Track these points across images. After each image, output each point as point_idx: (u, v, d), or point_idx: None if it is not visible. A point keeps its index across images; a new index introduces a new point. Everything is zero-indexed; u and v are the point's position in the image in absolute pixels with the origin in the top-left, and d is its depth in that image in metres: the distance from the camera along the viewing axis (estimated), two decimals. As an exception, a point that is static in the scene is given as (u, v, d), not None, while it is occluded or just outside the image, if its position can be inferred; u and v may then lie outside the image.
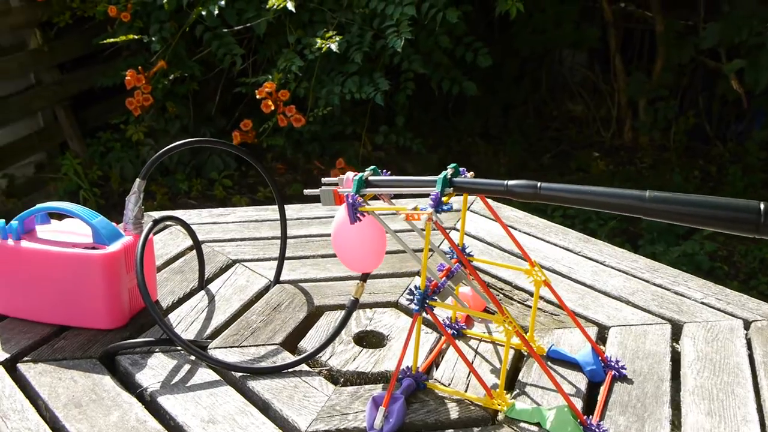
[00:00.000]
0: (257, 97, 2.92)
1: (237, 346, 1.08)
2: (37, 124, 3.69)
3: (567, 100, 4.55)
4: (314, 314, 1.19)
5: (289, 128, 3.33)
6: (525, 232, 1.51)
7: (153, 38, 3.11)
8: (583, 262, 1.41)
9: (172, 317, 1.15)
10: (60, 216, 1.16)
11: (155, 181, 3.63)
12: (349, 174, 1.04)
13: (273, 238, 1.46)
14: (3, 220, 1.11)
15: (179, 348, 1.06)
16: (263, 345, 1.09)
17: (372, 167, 1.05)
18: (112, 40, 3.07)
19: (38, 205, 1.12)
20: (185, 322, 1.14)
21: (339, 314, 1.17)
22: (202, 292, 1.23)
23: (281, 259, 1.28)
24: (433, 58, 3.20)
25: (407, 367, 1.01)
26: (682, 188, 3.65)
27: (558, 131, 4.47)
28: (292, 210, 1.61)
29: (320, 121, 3.24)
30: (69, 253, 1.08)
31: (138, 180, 1.14)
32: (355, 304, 1.06)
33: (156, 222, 1.14)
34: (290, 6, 2.84)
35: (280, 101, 2.94)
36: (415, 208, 0.95)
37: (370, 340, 1.13)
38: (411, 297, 0.97)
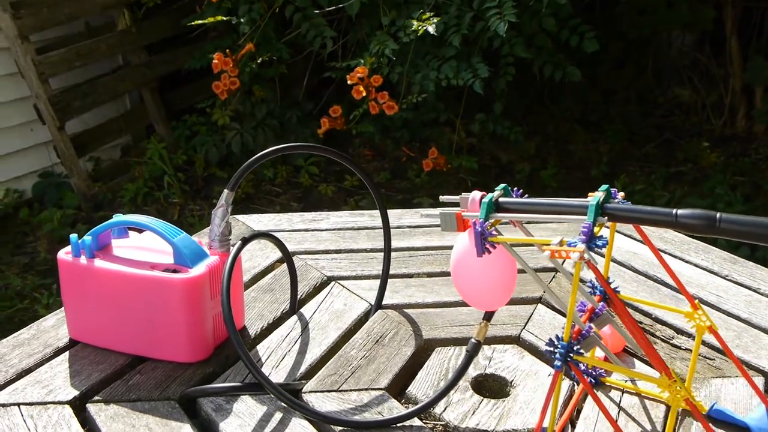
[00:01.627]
0: (348, 82, 2.76)
1: (336, 390, 0.92)
2: (124, 106, 3.65)
3: (674, 85, 4.23)
4: (423, 350, 1.02)
5: (380, 114, 3.17)
6: (660, 250, 1.31)
7: (242, 19, 2.98)
8: (733, 288, 1.20)
9: (261, 349, 1.01)
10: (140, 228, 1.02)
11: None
12: (475, 194, 0.86)
13: (372, 250, 1.30)
14: (75, 236, 0.98)
15: (250, 393, 0.91)
16: (366, 389, 0.93)
17: (502, 186, 0.87)
18: (200, 21, 2.96)
19: (115, 218, 0.99)
20: (275, 356, 0.99)
21: (452, 351, 1.00)
22: (295, 318, 1.08)
23: (384, 279, 1.12)
24: (535, 42, 2.97)
25: (542, 429, 0.83)
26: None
27: (663, 118, 4.16)
28: (392, 216, 1.44)
29: (412, 108, 3.07)
30: (146, 275, 0.94)
31: (226, 191, 0.99)
32: (477, 349, 0.89)
33: (245, 241, 0.99)
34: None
35: (372, 87, 2.77)
36: (561, 243, 0.77)
37: (489, 386, 0.96)
38: (552, 349, 0.79)
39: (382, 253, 1.28)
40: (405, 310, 1.11)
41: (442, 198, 0.92)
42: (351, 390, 0.93)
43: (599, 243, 0.76)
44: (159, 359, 0.97)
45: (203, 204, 3.37)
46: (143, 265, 0.96)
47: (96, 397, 0.91)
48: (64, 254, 0.98)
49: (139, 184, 3.35)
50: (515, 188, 0.88)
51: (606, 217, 0.78)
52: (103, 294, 0.97)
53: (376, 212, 1.47)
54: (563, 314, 1.09)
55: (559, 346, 0.78)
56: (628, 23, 3.59)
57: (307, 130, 3.56)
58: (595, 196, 0.80)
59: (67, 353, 0.99)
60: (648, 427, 0.87)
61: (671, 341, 1.06)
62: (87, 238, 0.97)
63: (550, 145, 3.92)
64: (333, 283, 1.19)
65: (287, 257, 1.09)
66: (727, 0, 3.74)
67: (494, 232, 0.82)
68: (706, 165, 3.61)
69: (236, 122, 3.47)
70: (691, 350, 1.03)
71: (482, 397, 0.92)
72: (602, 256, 0.89)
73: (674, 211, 0.76)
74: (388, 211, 1.47)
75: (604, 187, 0.83)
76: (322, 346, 1.02)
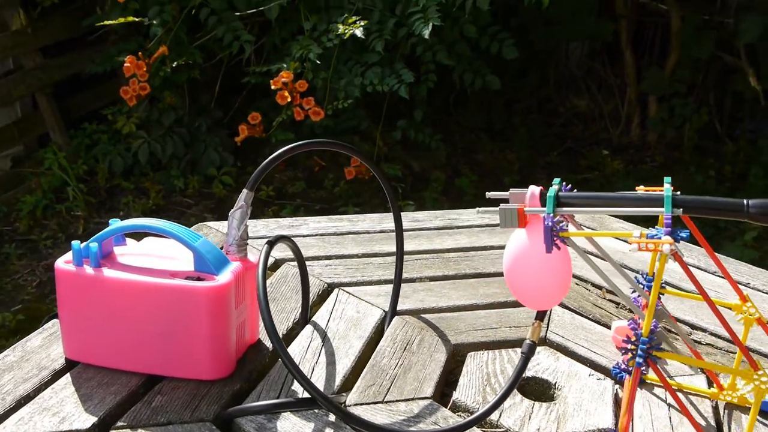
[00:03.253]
0: (272, 87, 2.68)
1: (381, 402, 0.86)
2: (16, 113, 3.39)
3: (572, 96, 4.39)
4: (455, 355, 0.98)
5: (299, 122, 3.09)
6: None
7: (154, 21, 2.83)
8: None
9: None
10: (137, 235, 0.92)
11: (147, 177, 3.35)
12: (534, 188, 0.82)
13: (365, 255, 1.24)
14: (77, 242, 0.87)
15: (302, 409, 0.84)
16: (412, 399, 0.87)
17: (557, 180, 0.84)
18: (108, 22, 2.79)
19: (121, 223, 0.89)
20: (304, 368, 0.92)
21: (486, 356, 0.96)
22: (309, 328, 1.01)
23: (397, 283, 1.06)
24: (455, 49, 2.99)
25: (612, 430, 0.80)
26: (704, 190, 3.52)
27: (564, 128, 4.30)
28: (369, 221, 1.39)
29: (332, 115, 3.01)
30: (168, 285, 0.84)
31: (245, 191, 0.91)
32: (533, 350, 0.85)
33: (272, 244, 0.91)
34: (310, -12, 2.60)
35: (296, 92, 2.70)
36: (641, 235, 0.75)
37: (532, 389, 0.93)
38: (628, 347, 0.77)
39: (378, 258, 1.23)
40: (422, 315, 1.06)
41: (489, 194, 0.88)
42: (397, 401, 0.87)
43: (682, 235, 0.74)
44: (177, 378, 0.88)
45: (109, 216, 3.16)
46: (161, 273, 0.86)
47: (119, 423, 0.80)
48: (63, 264, 0.87)
49: (37, 197, 3.11)
50: (566, 185, 0.85)
51: (681, 209, 0.77)
52: (112, 307, 0.86)
53: (355, 217, 1.42)
54: (581, 314, 1.08)
55: (641, 343, 0.76)
56: (535, 34, 3.68)
57: (216, 138, 3.43)
58: (666, 189, 0.78)
59: (68, 376, 0.88)
60: (702, 422, 0.87)
61: (690, 337, 1.06)
62: (92, 245, 0.87)
63: (458, 154, 3.97)
64: (337, 290, 1.12)
65: (300, 262, 1.02)
66: (623, 14, 3.91)
67: (566, 228, 0.78)
68: (609, 172, 3.76)
69: (142, 130, 3.29)
70: (712, 345, 1.03)
71: (532, 401, 0.89)
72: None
73: (745, 201, 0.76)
74: (367, 216, 1.42)
75: (667, 179, 0.81)
76: (349, 356, 0.95)
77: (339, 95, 2.79)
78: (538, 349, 0.99)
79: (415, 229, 1.36)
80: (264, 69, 2.84)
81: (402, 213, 1.45)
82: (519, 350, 0.97)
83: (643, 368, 0.94)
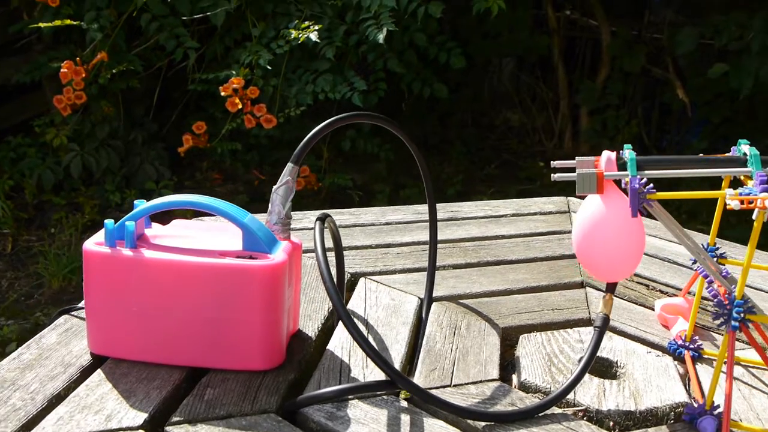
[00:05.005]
0: (222, 93, 2.58)
1: (450, 386, 0.81)
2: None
3: (506, 109, 4.45)
4: (508, 337, 0.93)
5: (244, 132, 3.00)
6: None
7: (92, 26, 2.70)
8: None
9: (336, 351, 0.86)
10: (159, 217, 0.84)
11: (79, 192, 3.18)
12: (609, 154, 0.79)
13: (378, 246, 1.19)
14: (111, 221, 0.78)
15: (381, 393, 0.78)
16: (481, 382, 0.82)
17: (628, 146, 0.81)
18: (43, 24, 2.64)
19: (159, 200, 0.80)
20: (355, 357, 0.85)
21: (539, 337, 0.92)
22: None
23: (432, 270, 1.01)
24: (404, 58, 2.97)
25: (698, 403, 0.77)
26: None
27: (499, 141, 4.35)
28: (372, 214, 1.34)
29: (277, 126, 2.93)
30: (222, 264, 0.77)
31: (290, 165, 0.85)
32: (606, 324, 0.81)
33: (323, 220, 0.85)
34: (261, -8, 2.54)
35: (247, 99, 2.61)
36: (735, 194, 0.72)
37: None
38: (720, 312, 0.74)
39: (394, 248, 1.18)
40: (460, 301, 1.01)
41: (554, 163, 0.84)
42: (466, 384, 0.81)
43: (778, 192, 0.72)
44: (223, 369, 0.80)
45: (39, 234, 2.98)
46: (208, 253, 0.78)
47: (175, 418, 0.72)
48: (94, 245, 0.78)
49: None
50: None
51: (768, 168, 0.75)
52: (153, 293, 0.78)
53: (356, 210, 1.36)
54: (617, 296, 1.05)
55: (735, 307, 0.73)
56: (473, 47, 3.71)
57: (153, 152, 3.30)
58: (751, 149, 0.77)
59: (99, 372, 0.78)
60: (772, 393, 0.85)
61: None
62: (128, 223, 0.78)
63: (397, 167, 3.94)
64: (363, 279, 1.06)
65: (338, 247, 0.96)
66: (555, 29, 4.00)
67: (653, 190, 0.75)
68: (549, 182, 3.80)
69: (74, 143, 3.12)
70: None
71: (601, 379, 0.85)
72: None
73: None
74: (369, 209, 1.37)
75: (743, 141, 0.80)
76: (400, 342, 0.89)
77: (290, 102, 2.72)
78: (588, 329, 0.95)
79: (420, 221, 1.31)
80: (211, 76, 2.74)
81: (397, 207, 1.40)
82: (569, 331, 0.94)
83: (700, 343, 0.92)
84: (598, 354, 0.90)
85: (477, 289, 1.05)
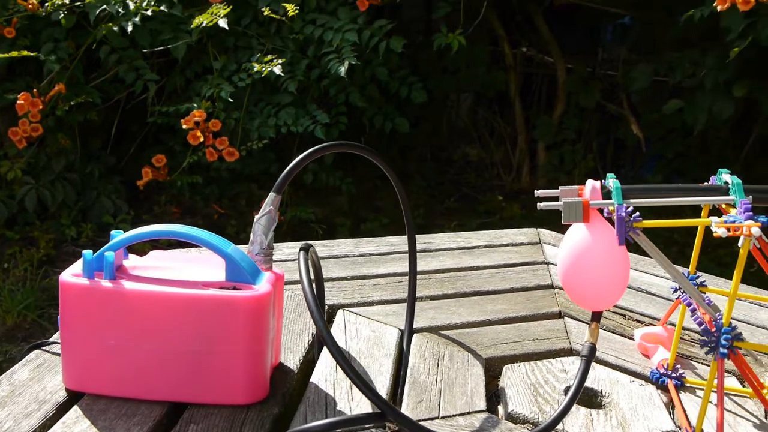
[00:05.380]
0: (183, 126, 2.56)
1: (438, 418, 0.79)
2: None
3: (464, 144, 4.49)
4: (491, 368, 0.92)
5: (205, 165, 2.97)
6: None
7: (50, 58, 2.66)
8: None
9: (320, 383, 0.84)
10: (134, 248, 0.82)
11: (33, 226, 3.10)
12: (592, 183, 0.80)
13: (354, 278, 1.17)
14: (89, 251, 0.76)
15: (370, 425, 0.76)
16: (469, 413, 0.81)
17: (611, 174, 0.82)
18: (0, 56, 2.58)
19: (140, 230, 0.78)
20: (341, 389, 0.84)
21: (523, 367, 0.92)
22: (329, 347, 0.93)
23: (412, 301, 1.00)
24: (366, 92, 2.99)
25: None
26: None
27: (457, 175, 4.39)
28: (345, 246, 1.32)
29: (238, 159, 2.91)
30: (206, 295, 0.75)
31: (272, 195, 0.83)
32: (593, 353, 0.81)
33: (306, 250, 0.83)
34: (223, 23, 2.53)
35: (209, 132, 2.59)
36: (720, 222, 0.73)
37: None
38: (708, 339, 0.75)
39: (370, 280, 1.17)
40: (440, 332, 1.00)
41: (538, 192, 0.85)
42: (453, 415, 0.80)
43: (763, 219, 0.73)
44: (205, 404, 0.77)
45: (-9, 271, 2.89)
46: (191, 284, 0.76)
47: (159, 456, 0.69)
48: (71, 277, 0.75)
49: None
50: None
51: (751, 196, 0.76)
52: (133, 325, 0.75)
53: (329, 242, 1.34)
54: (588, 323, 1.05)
55: (723, 334, 0.74)
56: (432, 82, 3.75)
57: (110, 185, 3.24)
58: (732, 177, 0.78)
59: (76, 408, 0.75)
60: (756, 421, 0.85)
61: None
62: (108, 254, 0.76)
63: (358, 202, 3.94)
64: (341, 311, 1.04)
65: (319, 278, 0.94)
66: (512, 65, 4.07)
67: (640, 218, 0.76)
68: (509, 215, 3.84)
69: (29, 176, 3.05)
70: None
71: (588, 409, 0.84)
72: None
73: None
74: (340, 241, 1.35)
75: (724, 170, 0.81)
76: (383, 374, 0.88)
77: (253, 136, 2.70)
78: (570, 359, 0.95)
79: (394, 253, 1.30)
80: (171, 109, 2.71)
81: (369, 239, 1.39)
82: (552, 361, 0.94)
83: (682, 372, 0.93)
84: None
85: (457, 320, 1.04)
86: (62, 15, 2.70)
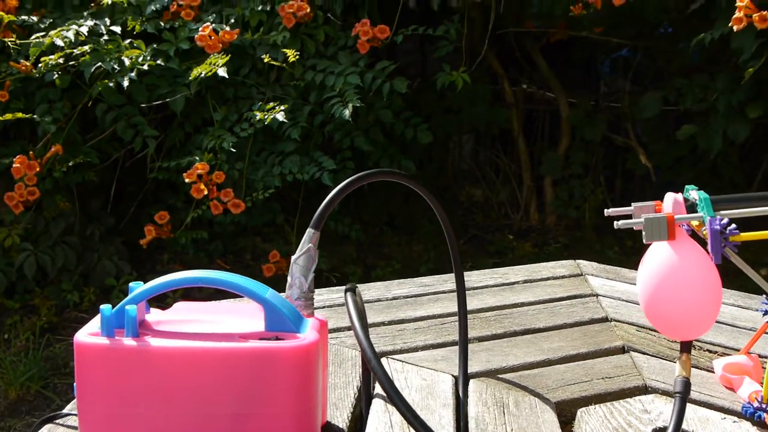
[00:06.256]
0: (186, 180, 2.47)
1: (518, 475, 0.69)
2: None
3: (468, 185, 4.42)
4: (562, 413, 0.82)
5: (208, 220, 2.88)
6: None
7: (45, 119, 2.58)
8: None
9: (377, 442, 0.74)
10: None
11: (33, 293, 2.99)
12: (673, 195, 0.71)
13: (391, 323, 1.07)
14: (108, 306, 0.66)
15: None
16: (552, 468, 0.70)
17: (690, 186, 0.73)
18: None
19: (163, 279, 0.68)
20: (401, 448, 0.73)
21: (599, 410, 0.81)
22: (380, 403, 0.82)
23: (464, 343, 0.90)
24: (370, 135, 2.91)
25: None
26: (619, 263, 3.55)
27: (465, 216, 4.30)
28: (374, 290, 1.23)
29: (243, 212, 2.81)
30: (246, 349, 0.65)
31: (310, 231, 0.74)
32: (688, 388, 0.71)
33: (353, 291, 0.74)
34: (222, 72, 2.46)
35: (213, 184, 2.51)
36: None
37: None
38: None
39: (410, 324, 1.07)
40: (497, 376, 0.90)
41: (609, 211, 0.75)
42: (535, 471, 0.69)
43: None
44: (249, 476, 0.67)
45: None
46: (227, 337, 0.66)
47: None
48: (87, 336, 0.65)
49: None
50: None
51: None
52: (162, 388, 0.65)
53: (337, 288, 1.24)
54: (665, 359, 0.95)
55: None
56: (435, 123, 3.69)
57: (111, 247, 3.14)
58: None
59: (99, 490, 0.65)
60: None
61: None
62: (130, 307, 0.66)
63: (365, 249, 3.85)
64: (384, 359, 0.94)
65: (364, 324, 0.84)
66: (512, 103, 4.02)
67: (737, 230, 0.66)
68: (521, 254, 3.75)
69: (26, 242, 2.95)
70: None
71: (684, 455, 0.74)
72: None
73: None
74: (370, 285, 1.26)
75: (691, 186, 0.72)
76: (445, 426, 0.77)
77: (258, 186, 2.62)
78: (649, 397, 0.85)
79: (429, 294, 1.20)
80: (173, 163, 2.63)
81: (400, 280, 1.30)
82: (629, 401, 0.84)
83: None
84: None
85: (513, 361, 0.94)
86: (56, 75, 2.63)
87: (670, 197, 0.71)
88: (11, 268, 2.93)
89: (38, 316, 2.84)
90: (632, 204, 0.74)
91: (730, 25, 2.10)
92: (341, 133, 2.79)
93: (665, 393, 0.86)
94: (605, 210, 0.75)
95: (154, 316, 0.72)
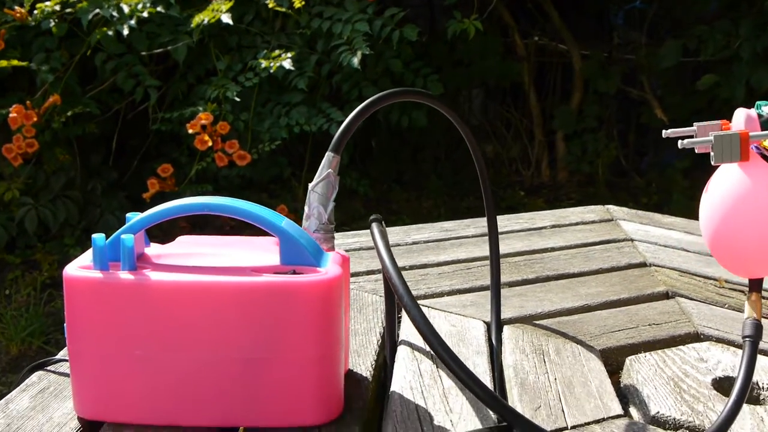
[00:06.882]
0: (189, 131, 2.38)
1: (568, 428, 0.61)
2: None
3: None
4: (608, 361, 0.74)
5: (214, 173, 2.79)
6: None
7: (42, 68, 2.48)
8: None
9: (404, 392, 0.66)
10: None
11: (35, 248, 2.92)
12: (745, 111, 0.62)
13: (412, 267, 0.99)
14: (102, 236, 0.58)
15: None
16: (606, 420, 0.62)
17: (762, 101, 0.64)
18: (-8, 67, 2.41)
19: (164, 206, 0.60)
20: (433, 397, 0.65)
21: (649, 357, 0.73)
22: (407, 350, 0.74)
23: (496, 289, 0.81)
24: (379, 86, 2.81)
25: None
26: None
27: (475, 172, 4.20)
28: (394, 235, 1.14)
29: (248, 165, 2.73)
30: (261, 283, 0.56)
31: (329, 154, 0.65)
32: (760, 331, 0.63)
33: (379, 221, 0.65)
34: (226, 19, 2.36)
35: (217, 136, 2.41)
36: None
37: (726, 390, 0.70)
38: None
39: (433, 268, 0.98)
40: (535, 322, 0.81)
41: (668, 132, 0.67)
42: (587, 423, 0.61)
43: None
44: (262, 428, 0.59)
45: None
46: (238, 270, 0.58)
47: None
48: (78, 270, 0.57)
49: None
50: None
51: None
52: (164, 329, 0.57)
53: (347, 233, 1.16)
54: (716, 305, 0.87)
55: None
56: (444, 76, 3.57)
57: (114, 201, 3.06)
58: None
59: (95, 443, 0.57)
60: None
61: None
62: (126, 237, 0.57)
63: (374, 204, 3.76)
64: (408, 304, 0.86)
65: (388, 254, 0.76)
66: (524, 55, 3.90)
67: (824, 148, 0.58)
68: (534, 211, 3.66)
69: (27, 196, 2.87)
70: None
71: (752, 405, 0.66)
72: None
73: None
74: (394, 228, 1.17)
75: (763, 102, 0.63)
76: (480, 375, 0.69)
77: (264, 138, 2.52)
78: (704, 345, 0.77)
79: (452, 238, 1.12)
80: (176, 114, 2.54)
81: (420, 225, 1.21)
82: (683, 348, 0.75)
83: None
84: (726, 373, 0.71)
85: (549, 307, 0.85)
86: (53, 23, 2.52)
87: (741, 112, 0.62)
88: (12, 222, 2.86)
89: (39, 272, 2.77)
90: (694, 124, 0.65)
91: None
92: (349, 84, 2.69)
93: (720, 341, 0.78)
94: (664, 131, 0.66)
95: (155, 249, 0.64)
